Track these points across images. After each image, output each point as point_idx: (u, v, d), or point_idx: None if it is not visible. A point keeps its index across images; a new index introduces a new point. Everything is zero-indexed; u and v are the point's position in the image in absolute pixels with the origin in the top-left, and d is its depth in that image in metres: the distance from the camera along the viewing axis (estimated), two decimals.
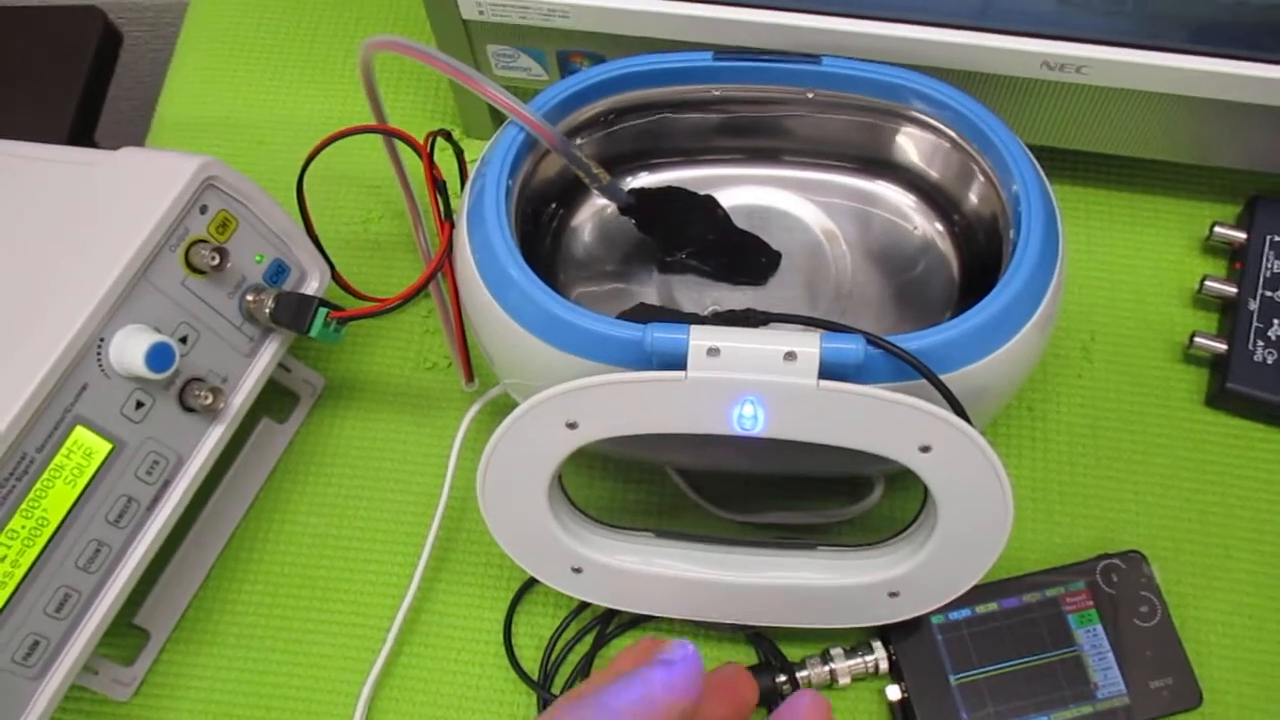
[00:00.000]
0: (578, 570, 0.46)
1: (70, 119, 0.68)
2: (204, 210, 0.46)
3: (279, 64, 0.66)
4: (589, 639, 0.51)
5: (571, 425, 0.41)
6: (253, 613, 0.52)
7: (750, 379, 0.39)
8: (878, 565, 0.45)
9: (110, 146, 0.51)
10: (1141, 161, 0.58)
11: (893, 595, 0.46)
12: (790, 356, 0.39)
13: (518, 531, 0.46)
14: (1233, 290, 0.55)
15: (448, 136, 0.51)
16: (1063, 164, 0.60)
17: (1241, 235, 0.56)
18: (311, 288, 0.51)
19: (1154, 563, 0.50)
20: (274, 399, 0.56)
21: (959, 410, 0.40)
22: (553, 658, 0.50)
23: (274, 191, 0.51)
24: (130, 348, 0.43)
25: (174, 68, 0.66)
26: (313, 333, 0.47)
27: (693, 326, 0.39)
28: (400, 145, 0.52)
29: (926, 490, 0.42)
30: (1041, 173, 0.44)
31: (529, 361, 0.43)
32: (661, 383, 0.40)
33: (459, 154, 0.53)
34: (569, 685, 0.50)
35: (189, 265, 0.46)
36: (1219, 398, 0.54)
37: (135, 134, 0.67)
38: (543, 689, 0.49)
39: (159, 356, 0.43)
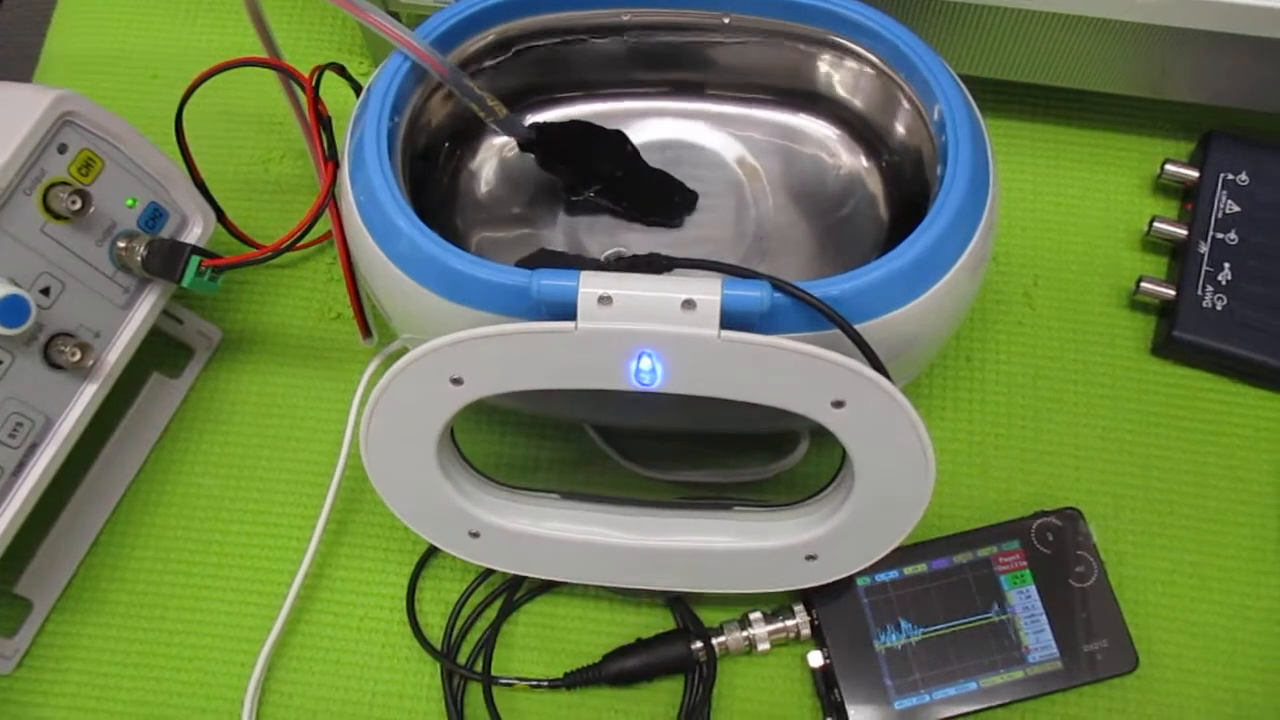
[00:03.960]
0: (475, 535, 0.43)
1: None
2: (63, 150, 0.42)
3: None
4: (497, 605, 0.48)
5: (456, 381, 0.38)
6: (143, 580, 0.49)
7: (646, 330, 0.36)
8: (793, 527, 0.43)
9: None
10: (1090, 95, 0.55)
11: (810, 559, 0.43)
12: (689, 305, 0.36)
13: (408, 495, 0.43)
14: (1183, 232, 0.52)
15: (340, 70, 0.47)
16: (1008, 98, 0.57)
17: (1194, 174, 0.53)
18: (194, 234, 0.47)
19: (1093, 520, 0.48)
20: (165, 353, 0.52)
21: (874, 361, 0.37)
22: (457, 626, 0.47)
23: (168, 130, 0.48)
24: None
25: None
26: (185, 282, 0.44)
27: (584, 273, 0.36)
28: None
29: (843, 449, 0.39)
30: (970, 100, 0.41)
31: (416, 311, 0.40)
32: (549, 334, 0.36)
33: (357, 89, 0.49)
34: (473, 655, 0.47)
35: (48, 210, 0.42)
36: (1165, 346, 0.51)
37: (29, 70, 0.63)
38: (447, 659, 0.47)
39: (10, 310, 0.40)
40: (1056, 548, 0.47)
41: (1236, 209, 0.52)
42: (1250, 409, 0.51)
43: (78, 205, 0.42)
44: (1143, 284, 0.51)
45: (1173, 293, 0.51)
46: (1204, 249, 0.51)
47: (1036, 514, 0.48)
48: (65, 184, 0.42)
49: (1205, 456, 0.50)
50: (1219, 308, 0.50)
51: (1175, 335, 0.50)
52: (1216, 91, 0.52)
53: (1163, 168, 0.53)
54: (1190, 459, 0.50)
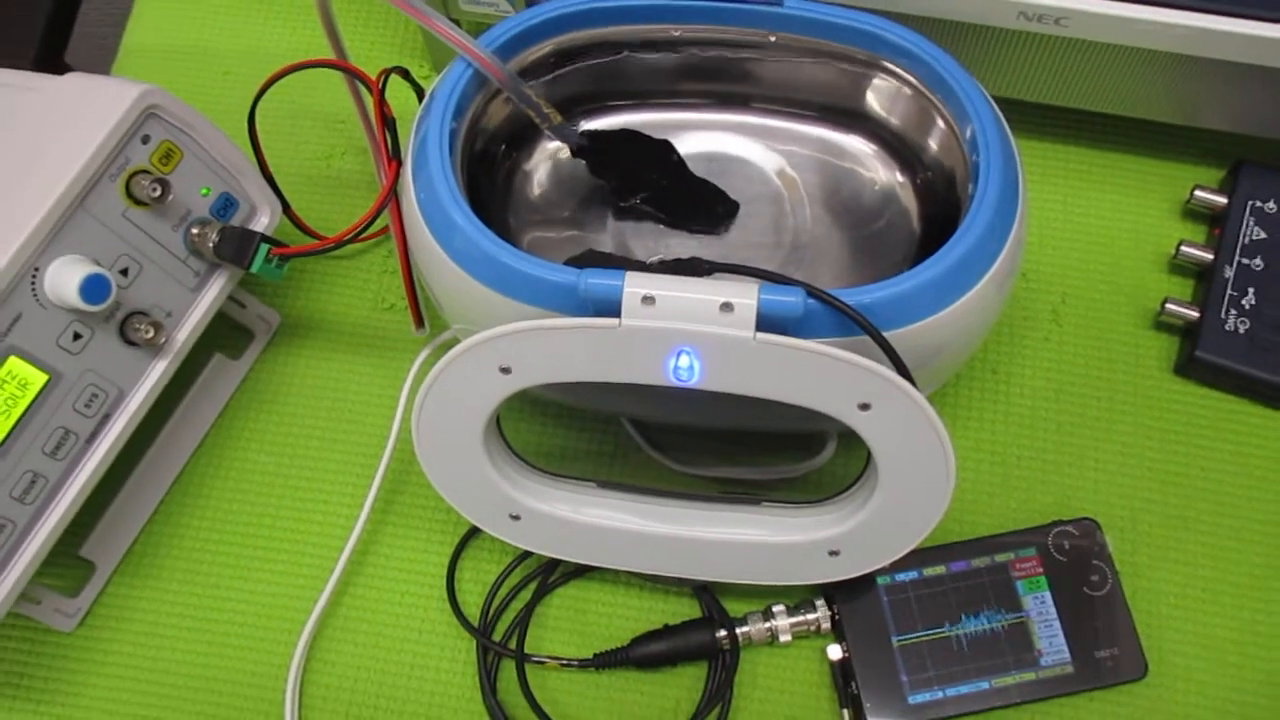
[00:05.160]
0: (516, 517, 0.46)
1: (36, 41, 0.66)
2: (146, 140, 0.45)
3: None
4: (532, 587, 0.50)
5: (505, 370, 0.41)
6: (199, 548, 0.52)
7: (685, 329, 0.38)
8: (818, 523, 0.45)
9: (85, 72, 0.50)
10: (1124, 120, 0.56)
11: (833, 554, 0.45)
12: (727, 308, 0.38)
13: (454, 476, 0.45)
14: (1209, 256, 0.53)
15: (405, 74, 0.50)
16: (1042, 120, 0.58)
17: (1222, 200, 0.54)
18: (261, 223, 0.50)
19: (1110, 532, 0.49)
20: (227, 335, 0.55)
21: (900, 367, 0.39)
22: (494, 605, 0.50)
23: (238, 124, 0.51)
24: (65, 278, 0.42)
25: None
26: (254, 269, 0.46)
27: (628, 273, 0.38)
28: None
29: (868, 449, 0.41)
30: (1003, 121, 0.43)
31: (469, 303, 0.43)
32: (594, 330, 0.39)
33: (419, 92, 0.51)
34: (508, 634, 0.49)
35: (130, 196, 0.45)
36: (1188, 366, 0.53)
37: (106, 63, 0.66)
38: (483, 636, 0.49)
39: (93, 288, 0.43)
40: (1073, 556, 0.49)
41: (1263, 236, 0.53)
42: (1269, 431, 0.52)
43: (158, 192, 0.44)
44: (1168, 305, 0.53)
45: (1197, 314, 0.52)
46: (1229, 273, 0.52)
47: (1054, 523, 0.49)
48: (147, 172, 0.45)
49: (1223, 475, 0.52)
50: (1242, 331, 0.52)
51: (1197, 356, 0.52)
52: (1247, 120, 0.53)
53: (1192, 193, 0.55)
54: (1208, 477, 0.52)
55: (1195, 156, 0.58)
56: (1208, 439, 0.52)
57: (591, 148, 0.48)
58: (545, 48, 0.46)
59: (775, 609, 0.48)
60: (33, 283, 0.42)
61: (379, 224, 0.54)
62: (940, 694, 0.47)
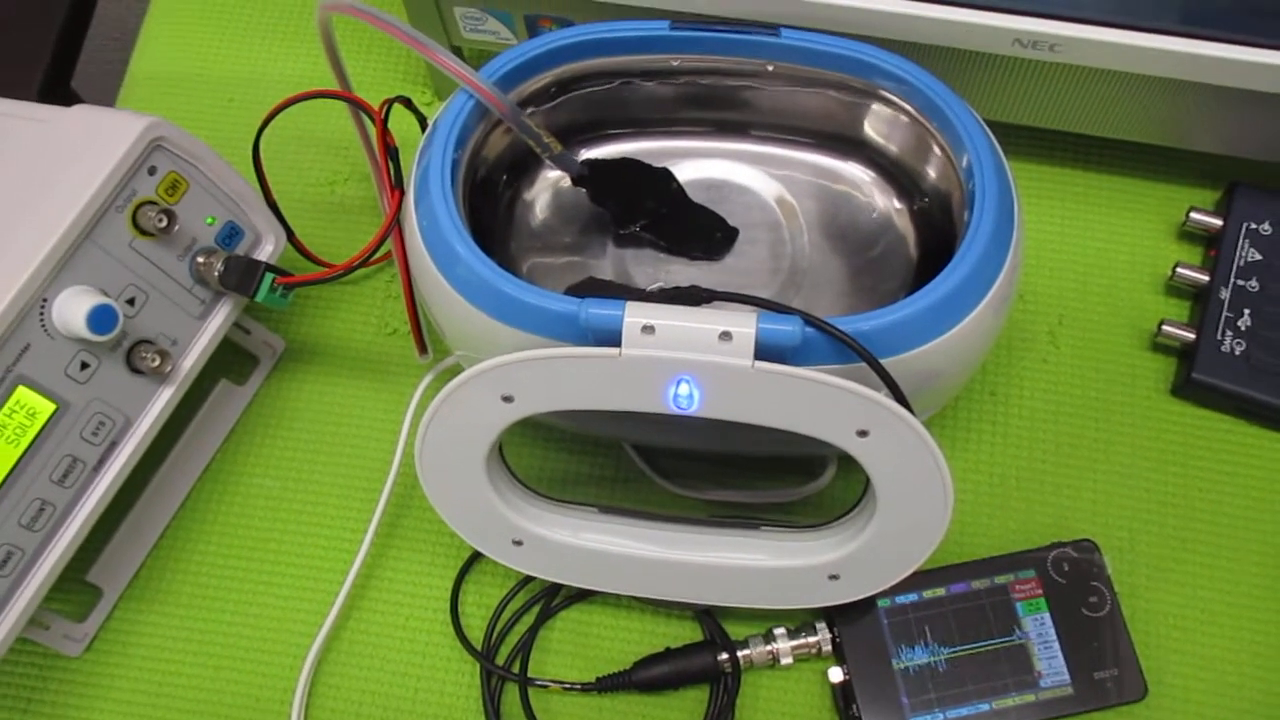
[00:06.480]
0: (518, 543, 0.46)
1: (43, 69, 0.67)
2: (152, 171, 0.46)
3: (254, 21, 0.65)
4: (535, 611, 0.51)
5: (507, 399, 0.41)
6: (205, 573, 0.53)
7: (685, 358, 0.39)
8: (818, 547, 0.45)
9: (91, 98, 0.50)
10: (1119, 143, 0.57)
11: (833, 578, 0.45)
12: (726, 336, 0.39)
13: (457, 502, 0.46)
14: (1205, 278, 0.54)
15: (407, 103, 0.50)
16: (1038, 144, 0.59)
17: (1218, 222, 0.55)
18: (266, 252, 0.51)
19: (1108, 553, 0.50)
20: (233, 361, 0.56)
21: (898, 394, 0.40)
22: (497, 629, 0.50)
23: (241, 151, 0.51)
24: (72, 309, 0.43)
25: (148, 21, 0.66)
26: (259, 297, 0.47)
27: (629, 303, 0.39)
28: None
29: (866, 475, 0.42)
30: (998, 150, 0.43)
31: (471, 331, 0.43)
32: (595, 359, 0.39)
33: (421, 120, 0.52)
34: (511, 657, 0.50)
35: (136, 227, 0.45)
36: (1184, 388, 0.53)
37: (113, 87, 0.67)
38: (487, 660, 0.50)
39: (101, 318, 0.43)
40: (1071, 578, 0.49)
41: (1258, 257, 0.53)
42: (1265, 451, 0.53)
43: (164, 223, 0.45)
44: (1164, 327, 0.53)
45: (1193, 336, 0.53)
46: (1225, 295, 0.53)
47: (1053, 545, 0.50)
48: (153, 203, 0.45)
49: (1220, 495, 0.52)
50: (1237, 352, 0.52)
51: (1194, 377, 0.52)
52: (1241, 143, 0.54)
53: (1188, 215, 0.55)
54: (1205, 498, 0.52)
55: (1190, 179, 0.58)
56: (1205, 460, 0.53)
57: (592, 176, 0.48)
58: (546, 78, 0.47)
59: (776, 632, 0.49)
60: (41, 313, 0.43)
61: (382, 249, 0.55)
62: (941, 716, 0.47)
